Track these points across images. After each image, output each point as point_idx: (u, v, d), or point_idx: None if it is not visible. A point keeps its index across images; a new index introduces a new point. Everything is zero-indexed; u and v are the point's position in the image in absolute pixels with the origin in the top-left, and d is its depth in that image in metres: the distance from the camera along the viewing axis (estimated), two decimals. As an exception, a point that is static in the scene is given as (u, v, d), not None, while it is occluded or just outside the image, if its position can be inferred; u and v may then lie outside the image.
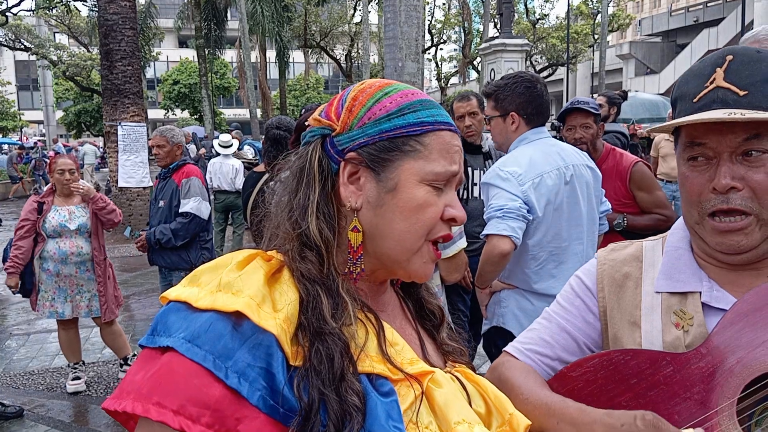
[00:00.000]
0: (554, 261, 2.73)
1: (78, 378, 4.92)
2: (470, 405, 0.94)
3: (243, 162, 9.62)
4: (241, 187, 8.96)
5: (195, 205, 4.65)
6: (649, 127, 14.10)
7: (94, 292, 4.84)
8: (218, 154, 9.52)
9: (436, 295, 1.12)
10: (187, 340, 0.77)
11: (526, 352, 1.30)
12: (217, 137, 10.50)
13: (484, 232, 2.61)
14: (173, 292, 0.84)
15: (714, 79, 1.07)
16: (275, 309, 0.81)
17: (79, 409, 4.65)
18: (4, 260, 4.77)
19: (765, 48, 1.14)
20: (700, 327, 1.09)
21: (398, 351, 0.89)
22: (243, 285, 0.82)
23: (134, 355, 5.19)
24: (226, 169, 9.12)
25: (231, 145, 9.57)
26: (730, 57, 1.07)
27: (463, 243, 2.60)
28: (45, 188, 5.01)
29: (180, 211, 4.65)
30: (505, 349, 1.35)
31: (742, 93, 1.04)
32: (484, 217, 2.66)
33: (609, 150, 3.73)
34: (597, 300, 1.26)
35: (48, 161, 5.97)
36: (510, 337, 2.70)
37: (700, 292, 1.13)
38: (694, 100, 1.09)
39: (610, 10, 31.53)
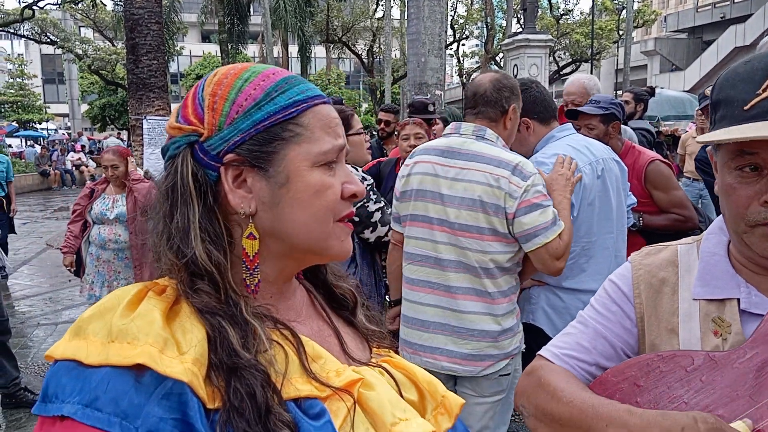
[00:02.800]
0: (586, 255, 2.72)
1: (104, 367, 5.02)
2: (401, 395, 0.91)
3: None
4: None
5: None
6: (674, 125, 13.88)
7: (130, 279, 5.00)
8: None
9: (345, 277, 1.06)
10: (84, 405, 0.68)
11: (563, 357, 1.28)
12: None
13: None
14: (58, 350, 0.73)
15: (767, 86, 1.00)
16: (180, 351, 0.72)
17: (106, 399, 4.73)
18: None
19: None
20: (738, 335, 1.07)
21: (322, 365, 0.84)
22: (138, 331, 0.72)
23: None
24: None
25: None
26: None
27: (544, 239, 2.36)
28: (101, 176, 5.27)
29: None
30: (539, 353, 1.33)
31: None
32: None
33: (628, 148, 3.67)
34: (634, 306, 1.24)
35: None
36: (540, 333, 2.70)
37: (738, 299, 1.10)
38: (745, 108, 1.01)
39: (636, 6, 31.15)
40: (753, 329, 1.05)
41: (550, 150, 2.75)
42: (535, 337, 2.67)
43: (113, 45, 32.29)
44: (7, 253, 7.63)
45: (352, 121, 3.30)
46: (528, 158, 2.85)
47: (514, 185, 2.35)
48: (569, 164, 2.61)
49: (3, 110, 39.43)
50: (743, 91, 1.02)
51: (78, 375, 0.70)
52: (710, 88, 1.15)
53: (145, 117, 11.06)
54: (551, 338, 1.39)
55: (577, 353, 1.27)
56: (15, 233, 8.59)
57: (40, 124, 41.55)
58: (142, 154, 11.06)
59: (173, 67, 42.14)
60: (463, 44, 41.13)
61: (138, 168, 5.31)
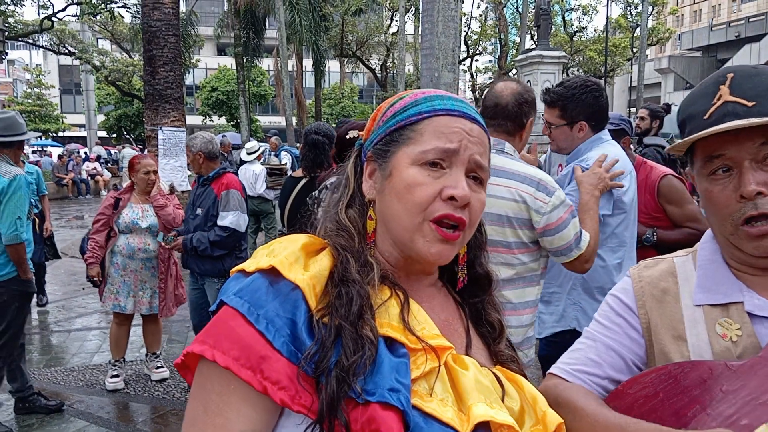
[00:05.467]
0: (621, 266, 2.82)
1: (117, 376, 5.02)
2: (503, 400, 0.95)
3: (268, 168, 9.80)
4: (261, 191, 9.15)
5: (234, 219, 4.61)
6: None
7: (155, 289, 5.03)
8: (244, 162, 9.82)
9: (500, 311, 1.13)
10: (234, 294, 0.89)
11: (575, 372, 1.28)
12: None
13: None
14: (236, 267, 0.97)
15: (720, 95, 1.13)
16: (306, 269, 0.92)
17: (118, 406, 4.74)
18: (82, 252, 5.08)
19: None
20: (750, 337, 1.10)
21: (419, 323, 0.94)
22: (282, 249, 0.94)
23: (160, 353, 5.35)
24: (248, 175, 9.32)
25: (255, 151, 9.79)
26: (731, 74, 1.14)
27: (583, 245, 2.41)
28: (125, 185, 5.22)
29: (219, 224, 4.60)
30: (549, 371, 1.33)
31: (750, 104, 1.09)
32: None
33: (641, 163, 3.68)
34: (639, 317, 1.27)
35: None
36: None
37: (742, 302, 1.13)
38: (705, 117, 1.13)
39: (650, 24, 31.15)
40: (763, 331, 1.08)
41: (605, 151, 2.81)
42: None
43: (130, 57, 32.65)
44: (44, 280, 7.41)
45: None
46: (567, 155, 2.97)
47: (540, 201, 2.34)
48: (609, 164, 2.65)
49: (20, 120, 39.88)
50: (702, 105, 1.16)
51: (238, 278, 0.93)
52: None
53: (160, 128, 11.17)
54: None
55: (588, 368, 1.27)
56: (59, 257, 7.71)
57: (56, 134, 41.92)
58: (157, 164, 11.17)
59: (189, 80, 42.58)
60: (477, 60, 41.27)
61: (162, 182, 5.28)
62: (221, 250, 4.62)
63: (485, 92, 2.59)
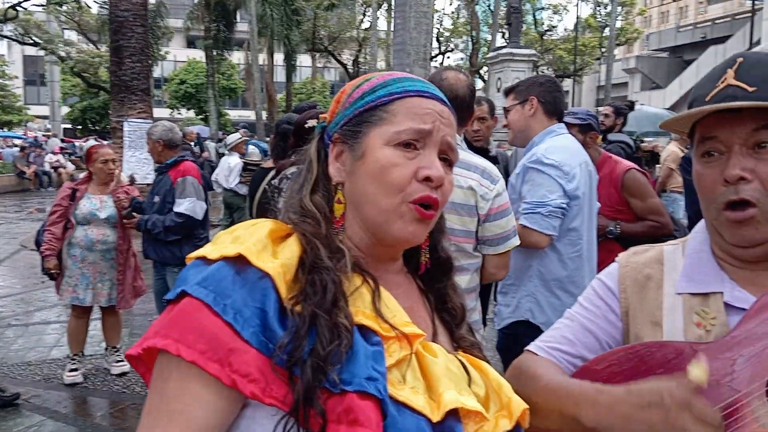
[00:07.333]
0: (580, 258, 2.83)
1: (75, 370, 4.92)
2: (469, 386, 0.96)
3: (246, 162, 9.71)
4: (234, 185, 9.04)
5: (190, 206, 4.57)
6: (654, 141, 14.07)
7: (114, 281, 4.92)
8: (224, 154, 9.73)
9: (461, 295, 1.13)
10: (197, 284, 0.84)
11: (548, 349, 1.31)
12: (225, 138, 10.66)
13: (528, 224, 2.67)
14: (194, 253, 0.92)
15: (725, 78, 1.12)
16: (274, 256, 0.89)
17: (76, 400, 4.64)
18: (38, 245, 4.91)
19: None
20: (723, 327, 1.11)
21: (391, 311, 0.92)
22: (248, 236, 0.90)
23: (121, 347, 5.24)
24: (224, 167, 9.19)
25: (233, 143, 9.70)
26: (741, 59, 1.13)
27: (515, 242, 2.53)
28: (82, 175, 5.08)
29: (175, 210, 4.57)
30: (527, 348, 1.36)
31: (751, 89, 1.08)
32: (524, 206, 2.73)
33: (606, 157, 3.75)
34: (619, 301, 1.28)
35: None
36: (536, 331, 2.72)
37: (722, 293, 1.14)
38: (706, 99, 1.12)
39: (619, 24, 31.56)
40: (737, 322, 1.09)
41: (555, 141, 2.83)
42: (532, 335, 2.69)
43: (97, 48, 32.08)
44: None
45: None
46: (518, 142, 3.00)
47: (485, 188, 2.40)
48: None
49: (-18, 110, 38.94)
50: (706, 87, 1.15)
51: (199, 266, 0.88)
52: None
53: (126, 119, 10.97)
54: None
55: (561, 346, 1.30)
56: None
57: (19, 125, 40.96)
58: (122, 156, 10.98)
59: (158, 72, 41.93)
60: (448, 56, 41.44)
61: (122, 173, 5.19)
62: (175, 235, 4.60)
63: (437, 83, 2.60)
